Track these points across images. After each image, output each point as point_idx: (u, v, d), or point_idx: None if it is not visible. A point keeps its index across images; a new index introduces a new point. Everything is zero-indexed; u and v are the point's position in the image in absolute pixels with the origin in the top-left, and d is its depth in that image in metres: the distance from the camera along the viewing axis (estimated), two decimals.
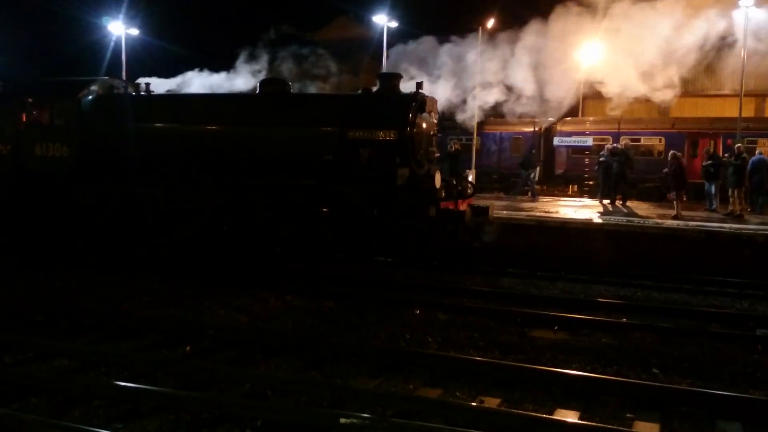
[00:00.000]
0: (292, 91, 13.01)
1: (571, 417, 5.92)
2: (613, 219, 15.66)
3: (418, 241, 11.20)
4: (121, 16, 32.48)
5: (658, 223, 14.89)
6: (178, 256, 12.32)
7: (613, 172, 19.39)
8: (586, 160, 24.47)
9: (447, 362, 7.21)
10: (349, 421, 5.42)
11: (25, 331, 8.33)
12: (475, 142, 23.85)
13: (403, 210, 10.93)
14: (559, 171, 25.73)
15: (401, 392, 6.45)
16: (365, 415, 5.54)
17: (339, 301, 10.04)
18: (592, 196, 22.41)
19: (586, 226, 14.91)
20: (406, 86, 12.00)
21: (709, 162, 18.15)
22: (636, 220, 15.43)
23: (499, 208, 15.75)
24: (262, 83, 12.78)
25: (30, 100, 13.12)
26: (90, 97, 12.99)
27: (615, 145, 20.80)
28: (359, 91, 12.66)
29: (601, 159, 20.09)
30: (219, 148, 12.00)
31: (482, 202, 13.19)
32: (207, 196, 11.87)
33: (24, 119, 13.10)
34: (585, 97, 27.86)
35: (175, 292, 10.34)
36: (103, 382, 6.55)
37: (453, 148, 20.17)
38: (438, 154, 12.57)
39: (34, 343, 7.70)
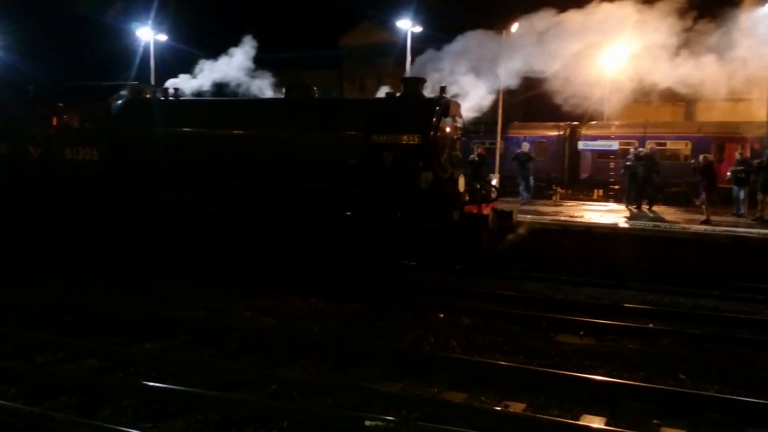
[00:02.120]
0: (316, 95, 13.10)
1: (597, 423, 5.90)
2: (640, 223, 15.52)
3: (441, 244, 11.20)
4: (149, 22, 32.97)
5: (685, 228, 14.72)
6: (205, 259, 12.45)
7: (639, 177, 19.22)
8: (612, 164, 24.26)
9: (471, 366, 7.21)
10: (374, 423, 5.45)
11: (56, 331, 8.49)
12: (499, 146, 23.77)
13: (427, 214, 10.94)
14: (584, 175, 25.54)
15: (426, 395, 6.46)
16: (390, 418, 5.57)
17: (363, 304, 10.09)
18: (617, 201, 22.22)
19: (612, 230, 14.79)
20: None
21: (741, 167, 17.90)
22: (663, 224, 15.27)
23: (522, 212, 15.69)
24: (288, 88, 12.88)
25: (60, 104, 13.35)
26: (119, 101, 13.18)
27: (641, 149, 20.61)
28: (383, 96, 12.71)
29: (627, 163, 19.93)
30: (245, 153, 12.12)
31: (506, 206, 13.15)
32: (233, 199, 11.98)
33: (54, 123, 13.33)
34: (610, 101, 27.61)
35: (203, 294, 10.47)
36: (132, 382, 6.65)
37: (477, 153, 20.15)
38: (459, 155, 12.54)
39: (64, 343, 7.84)
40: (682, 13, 13.06)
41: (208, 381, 6.69)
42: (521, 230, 12.65)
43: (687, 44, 13.13)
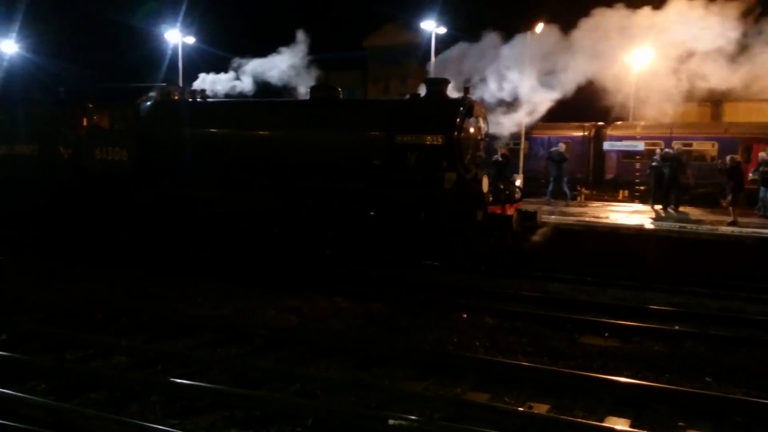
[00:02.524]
0: (341, 96, 13.17)
1: (621, 425, 5.88)
2: (666, 225, 15.35)
3: (465, 245, 11.20)
4: (178, 24, 33.40)
5: (711, 229, 14.54)
6: (231, 258, 12.58)
7: (665, 178, 19.01)
8: (637, 165, 24.01)
9: (495, 367, 7.22)
10: (397, 422, 5.49)
11: (86, 328, 8.66)
12: (523, 146, 23.65)
13: (451, 214, 10.95)
14: (609, 176, 25.31)
15: (449, 395, 6.49)
16: (413, 417, 5.61)
17: (387, 304, 10.13)
18: (643, 202, 21.99)
19: (637, 231, 14.66)
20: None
21: (766, 168, 17.63)
22: (689, 226, 15.10)
23: (546, 212, 15.61)
24: (313, 89, 12.97)
25: (90, 105, 13.55)
26: (148, 103, 13.37)
27: (667, 149, 20.38)
28: (407, 96, 12.74)
29: (653, 164, 19.72)
30: (271, 153, 12.22)
31: (530, 207, 13.10)
32: (259, 199, 12.09)
33: (85, 124, 13.54)
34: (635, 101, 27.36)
35: (229, 293, 10.59)
36: (159, 379, 6.76)
37: (500, 153, 20.11)
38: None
39: (94, 340, 7.99)
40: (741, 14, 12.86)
41: (233, 378, 6.79)
42: (546, 231, 12.59)
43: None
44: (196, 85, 14.60)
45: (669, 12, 12.92)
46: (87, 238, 13.66)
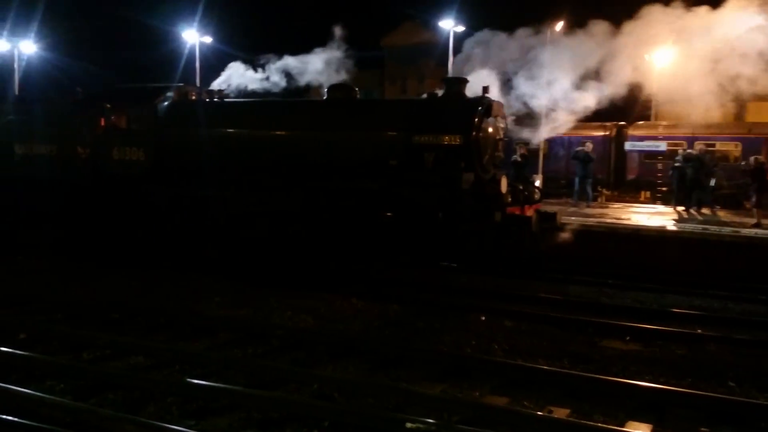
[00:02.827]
0: (358, 96, 13.12)
1: (643, 430, 5.79)
2: (688, 226, 15.14)
3: (483, 246, 11.10)
4: (195, 24, 33.61)
5: (734, 231, 14.32)
6: (247, 258, 12.58)
7: (687, 179, 18.78)
8: (659, 166, 23.75)
9: (514, 370, 7.14)
10: (415, 426, 5.43)
11: (103, 328, 8.68)
12: (542, 146, 23.46)
13: (468, 215, 10.86)
14: (630, 177, 25.06)
15: (467, 399, 6.41)
16: (431, 421, 5.54)
17: (404, 305, 10.07)
18: (665, 203, 21.74)
19: (659, 233, 14.47)
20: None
21: None
22: (712, 227, 14.88)
23: (566, 214, 15.47)
24: (330, 89, 12.93)
25: (108, 106, 13.61)
26: (165, 103, 13.40)
27: (689, 150, 20.12)
28: (424, 96, 12.66)
29: (676, 164, 19.48)
30: (287, 153, 12.20)
31: (549, 208, 12.98)
32: (275, 199, 12.08)
33: (102, 124, 13.60)
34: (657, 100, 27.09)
35: (245, 293, 10.59)
36: (176, 379, 6.75)
37: (519, 154, 19.96)
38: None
39: (111, 340, 8.01)
40: None
41: (250, 379, 6.76)
42: (566, 232, 12.47)
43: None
44: (225, 74, 14.57)
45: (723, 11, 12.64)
46: (104, 238, 13.73)
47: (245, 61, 14.85)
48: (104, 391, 6.44)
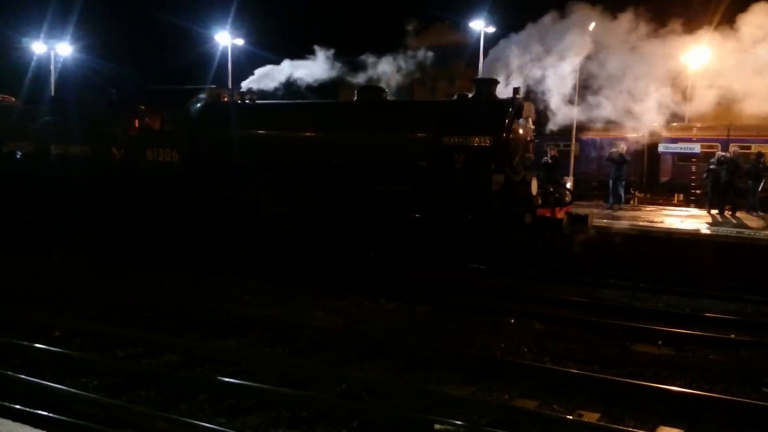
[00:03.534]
0: (388, 97, 13.14)
1: None
2: (722, 230, 14.88)
3: (512, 248, 11.04)
4: (227, 27, 33.98)
5: None
6: (278, 259, 12.68)
7: (722, 181, 18.46)
8: (693, 168, 23.39)
9: (544, 373, 7.09)
10: (443, 427, 5.42)
11: (136, 326, 8.82)
12: (573, 148, 23.27)
13: (498, 217, 10.81)
14: (663, 179, 24.74)
15: (496, 401, 6.39)
16: (459, 423, 5.53)
17: (432, 307, 10.05)
18: (699, 206, 21.40)
19: (693, 236, 14.24)
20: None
21: None
22: (747, 231, 14.60)
23: (598, 216, 15.31)
24: (360, 90, 12.98)
25: (142, 107, 13.82)
26: (198, 104, 13.56)
27: (723, 152, 19.78)
28: (454, 97, 12.64)
29: (711, 167, 19.16)
30: (317, 154, 12.27)
31: (581, 210, 12.86)
32: (305, 200, 12.16)
33: (136, 125, 13.82)
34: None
35: (275, 293, 10.67)
36: (208, 377, 6.84)
37: (550, 155, 19.82)
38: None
39: (144, 338, 8.13)
40: None
41: (280, 378, 6.81)
42: (597, 235, 12.33)
43: None
44: (279, 70, 14.70)
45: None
46: (138, 237, 13.94)
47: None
48: (137, 388, 6.54)
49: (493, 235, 10.91)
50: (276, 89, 14.79)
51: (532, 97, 12.80)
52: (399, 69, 14.88)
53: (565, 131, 23.25)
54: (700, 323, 9.47)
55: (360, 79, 14.96)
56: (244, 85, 14.76)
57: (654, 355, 8.04)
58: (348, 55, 15.12)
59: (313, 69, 14.58)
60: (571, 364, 7.55)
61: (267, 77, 14.67)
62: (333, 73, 14.73)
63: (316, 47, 14.67)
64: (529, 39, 13.32)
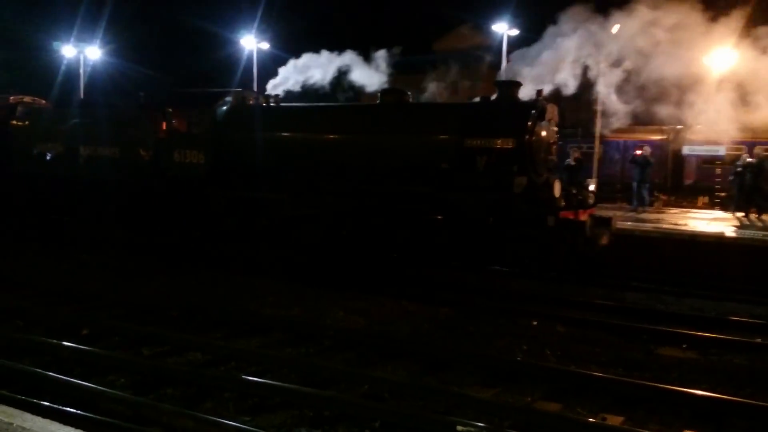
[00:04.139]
0: (411, 100, 13.18)
1: None
2: (748, 233, 14.69)
3: (535, 251, 11.01)
4: (253, 31, 34.27)
5: None
6: (300, 259, 12.77)
7: (747, 184, 18.23)
8: (718, 170, 23.09)
9: (567, 376, 7.06)
10: (465, 429, 5.44)
11: (162, 325, 8.95)
12: (597, 150, 23.09)
13: (520, 219, 10.79)
14: (688, 181, 24.46)
15: (518, 404, 6.39)
16: (482, 425, 5.54)
17: (454, 309, 10.06)
18: (723, 209, 21.12)
19: (717, 239, 14.08)
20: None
21: None
22: None
23: (622, 219, 15.19)
24: (383, 93, 13.04)
25: (169, 110, 14.02)
26: (224, 107, 13.73)
27: (746, 155, 19.51)
28: (477, 99, 12.63)
29: (737, 170, 18.92)
30: (340, 156, 12.35)
31: (604, 213, 12.78)
32: (328, 202, 12.24)
33: (164, 128, 14.02)
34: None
35: (298, 293, 10.75)
36: (232, 376, 6.92)
37: (573, 157, 19.69)
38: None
39: (170, 336, 8.25)
40: None
41: (303, 378, 6.88)
42: (621, 238, 12.24)
43: None
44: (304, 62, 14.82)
45: None
46: (164, 237, 14.13)
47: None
48: (163, 386, 6.64)
49: (516, 238, 10.90)
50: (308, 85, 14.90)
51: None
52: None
53: (588, 133, 23.18)
54: (725, 327, 9.38)
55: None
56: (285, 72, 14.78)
57: (678, 359, 7.98)
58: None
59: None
60: (594, 367, 7.52)
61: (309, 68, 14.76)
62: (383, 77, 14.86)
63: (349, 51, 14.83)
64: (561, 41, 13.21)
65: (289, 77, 14.96)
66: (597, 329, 9.05)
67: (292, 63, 15.06)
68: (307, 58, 14.94)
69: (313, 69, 14.81)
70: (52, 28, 37.84)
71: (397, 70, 17.07)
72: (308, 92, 15.50)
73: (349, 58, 14.79)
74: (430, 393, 6.48)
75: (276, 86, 15.00)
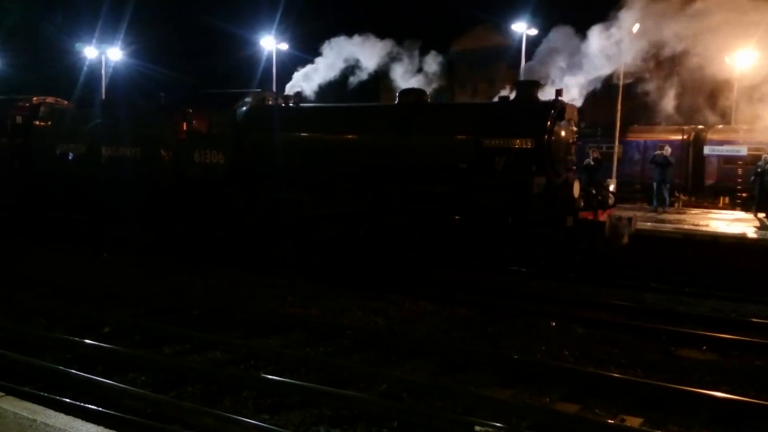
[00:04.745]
0: (428, 100, 13.19)
1: None
2: None
3: (554, 251, 10.97)
4: (272, 32, 34.45)
5: None
6: (319, 259, 12.83)
7: (766, 184, 18.06)
8: (739, 171, 22.84)
9: (585, 377, 7.04)
10: (483, 429, 5.45)
11: (183, 324, 9.03)
12: (616, 150, 22.94)
13: (539, 219, 10.76)
14: (708, 182, 24.20)
15: (537, 404, 6.38)
16: (500, 425, 5.55)
17: (472, 309, 10.04)
18: (745, 209, 20.90)
19: (739, 240, 13.94)
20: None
21: None
22: None
23: (642, 219, 15.08)
24: (401, 93, 13.06)
25: (190, 110, 14.14)
26: (244, 108, 13.82)
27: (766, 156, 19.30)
28: (495, 99, 12.61)
29: (758, 170, 18.71)
30: (359, 157, 12.39)
31: (624, 213, 12.69)
32: (347, 201, 12.29)
33: (184, 128, 14.14)
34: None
35: (317, 293, 10.80)
36: (252, 374, 6.98)
37: (592, 157, 19.59)
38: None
39: (190, 335, 8.33)
40: None
41: (321, 377, 6.92)
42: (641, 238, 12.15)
43: None
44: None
45: None
46: (184, 237, 14.26)
47: None
48: (183, 384, 6.70)
49: (534, 238, 10.87)
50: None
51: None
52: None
53: (609, 132, 23.01)
54: (745, 328, 9.27)
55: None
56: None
57: (698, 360, 7.91)
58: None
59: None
60: (613, 368, 7.49)
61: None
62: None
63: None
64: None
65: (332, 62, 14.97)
66: (616, 330, 8.99)
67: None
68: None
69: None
70: (74, 29, 38.35)
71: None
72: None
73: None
74: (449, 393, 6.48)
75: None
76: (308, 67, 15.31)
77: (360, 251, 12.49)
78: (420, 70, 15.63)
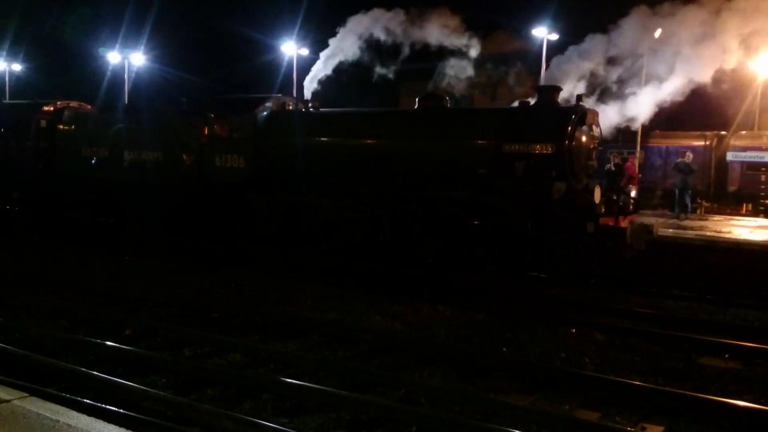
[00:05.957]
0: (448, 105, 13.19)
1: None
2: None
3: (574, 257, 10.90)
4: (293, 37, 34.67)
5: None
6: (338, 263, 12.85)
7: None
8: (762, 177, 22.55)
9: (606, 385, 6.97)
10: None
11: (203, 326, 9.09)
12: (638, 155, 22.75)
13: (559, 225, 10.70)
14: (731, 188, 23.92)
15: (556, 412, 6.33)
16: None
17: (491, 314, 10.00)
18: None
19: (762, 248, 13.74)
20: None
21: None
22: None
23: (664, 226, 14.94)
24: (421, 98, 13.07)
25: (211, 115, 14.27)
26: (264, 113, 13.92)
27: None
28: (516, 104, 12.58)
29: None
30: (379, 161, 12.42)
31: (645, 220, 12.59)
32: (366, 206, 12.31)
33: (206, 133, 14.27)
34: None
35: (335, 297, 10.82)
36: (271, 377, 7.00)
37: (613, 163, 19.43)
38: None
39: (210, 338, 8.37)
40: None
41: (340, 381, 6.92)
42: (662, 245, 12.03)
43: None
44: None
45: None
46: (205, 240, 14.37)
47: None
48: (203, 387, 6.74)
49: (554, 244, 10.81)
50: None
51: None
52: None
53: (630, 138, 22.82)
54: None
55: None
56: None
57: (721, 369, 7.81)
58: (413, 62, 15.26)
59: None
60: (634, 375, 7.41)
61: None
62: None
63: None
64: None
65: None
66: (637, 337, 8.90)
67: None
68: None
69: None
70: (98, 35, 38.86)
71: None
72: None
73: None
74: (467, 399, 6.45)
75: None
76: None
77: (379, 256, 12.49)
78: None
